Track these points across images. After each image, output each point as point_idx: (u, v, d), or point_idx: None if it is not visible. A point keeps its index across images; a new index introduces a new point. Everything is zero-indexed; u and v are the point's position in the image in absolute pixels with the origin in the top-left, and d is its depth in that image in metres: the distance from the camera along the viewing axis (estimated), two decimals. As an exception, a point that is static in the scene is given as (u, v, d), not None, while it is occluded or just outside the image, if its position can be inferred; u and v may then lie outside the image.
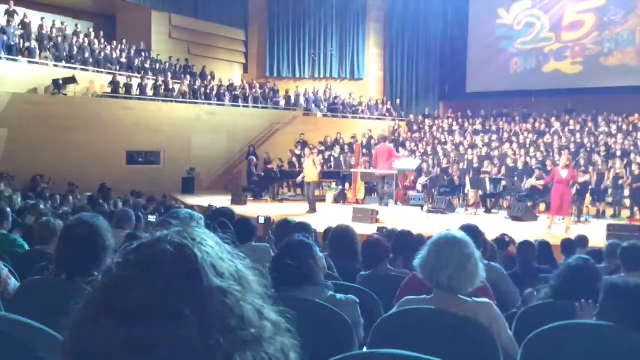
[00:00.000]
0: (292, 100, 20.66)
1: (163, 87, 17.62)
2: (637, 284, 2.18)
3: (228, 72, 22.37)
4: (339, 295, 2.49)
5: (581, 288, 2.57)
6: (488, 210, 13.62)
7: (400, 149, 16.57)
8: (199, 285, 0.65)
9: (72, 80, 15.26)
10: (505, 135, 18.05)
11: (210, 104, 18.49)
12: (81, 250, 2.31)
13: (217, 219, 3.92)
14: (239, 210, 11.88)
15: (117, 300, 0.63)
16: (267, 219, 5.91)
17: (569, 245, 6.07)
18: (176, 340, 0.60)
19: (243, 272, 0.71)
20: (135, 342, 0.60)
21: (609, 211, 12.96)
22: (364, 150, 17.08)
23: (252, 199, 15.26)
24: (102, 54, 17.51)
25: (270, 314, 0.70)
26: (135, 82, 17.21)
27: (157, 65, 19.09)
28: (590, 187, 12.61)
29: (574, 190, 10.62)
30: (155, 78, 17.91)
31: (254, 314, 0.67)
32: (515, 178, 13.82)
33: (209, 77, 20.28)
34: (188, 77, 19.42)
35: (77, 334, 0.64)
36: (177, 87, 18.16)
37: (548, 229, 10.17)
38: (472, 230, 3.84)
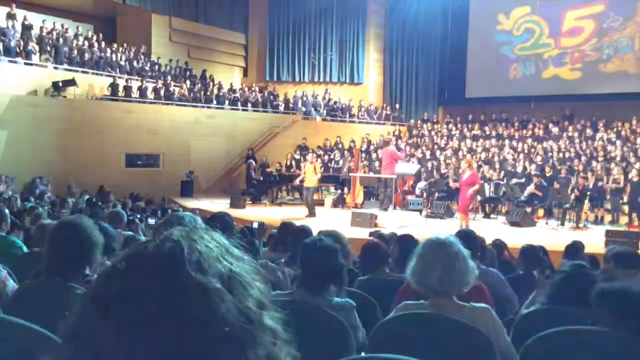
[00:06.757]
0: (292, 104, 20.68)
1: (163, 90, 17.63)
2: (625, 287, 2.16)
3: (228, 75, 22.41)
4: (335, 299, 2.49)
5: (576, 294, 2.55)
6: (487, 216, 13.63)
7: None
8: (174, 278, 0.66)
9: (72, 82, 15.26)
10: (505, 141, 18.06)
11: (209, 107, 18.49)
12: (69, 252, 2.30)
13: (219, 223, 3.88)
14: (238, 213, 11.91)
15: (100, 289, 0.68)
16: (261, 224, 5.87)
17: (573, 251, 6.05)
18: (146, 328, 0.63)
19: (238, 275, 0.70)
20: (113, 329, 0.63)
21: (607, 217, 12.97)
22: (363, 155, 17.07)
23: (251, 202, 15.26)
24: (102, 56, 17.52)
25: (266, 320, 0.70)
26: (135, 85, 17.23)
27: (157, 68, 19.11)
28: (588, 193, 12.61)
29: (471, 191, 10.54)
30: (155, 81, 17.93)
31: (235, 315, 0.66)
32: (515, 182, 13.82)
33: (209, 81, 20.30)
34: (188, 80, 19.45)
35: (71, 322, 0.68)
36: (176, 90, 18.19)
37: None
38: (468, 236, 3.84)
